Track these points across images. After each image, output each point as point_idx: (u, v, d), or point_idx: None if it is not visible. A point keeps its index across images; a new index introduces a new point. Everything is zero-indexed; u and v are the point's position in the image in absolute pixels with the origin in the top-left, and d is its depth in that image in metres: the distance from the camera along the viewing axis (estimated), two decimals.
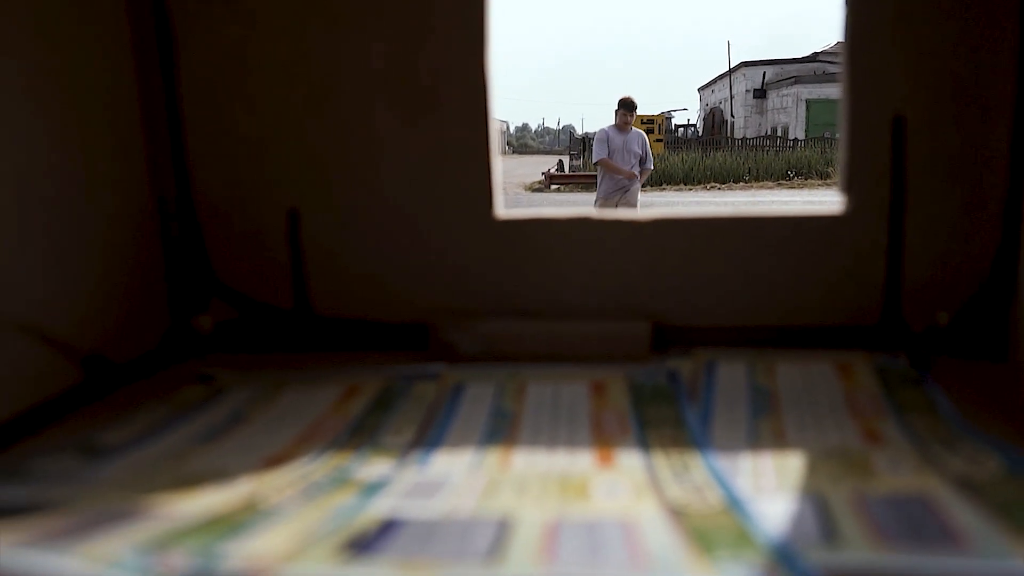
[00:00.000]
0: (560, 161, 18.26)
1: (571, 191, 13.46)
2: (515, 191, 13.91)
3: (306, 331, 0.82)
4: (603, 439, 0.57)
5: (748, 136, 21.88)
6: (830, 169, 14.35)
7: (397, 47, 0.76)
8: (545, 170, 16.18)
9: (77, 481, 0.52)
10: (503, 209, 0.79)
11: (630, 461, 0.53)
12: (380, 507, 0.46)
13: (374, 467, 0.53)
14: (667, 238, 0.77)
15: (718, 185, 14.27)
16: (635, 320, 0.77)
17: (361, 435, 0.59)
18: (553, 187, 14.30)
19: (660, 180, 13.65)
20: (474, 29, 0.75)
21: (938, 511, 0.43)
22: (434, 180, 0.78)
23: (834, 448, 0.54)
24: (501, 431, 0.59)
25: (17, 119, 0.63)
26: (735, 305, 0.77)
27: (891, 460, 0.51)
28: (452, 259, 0.79)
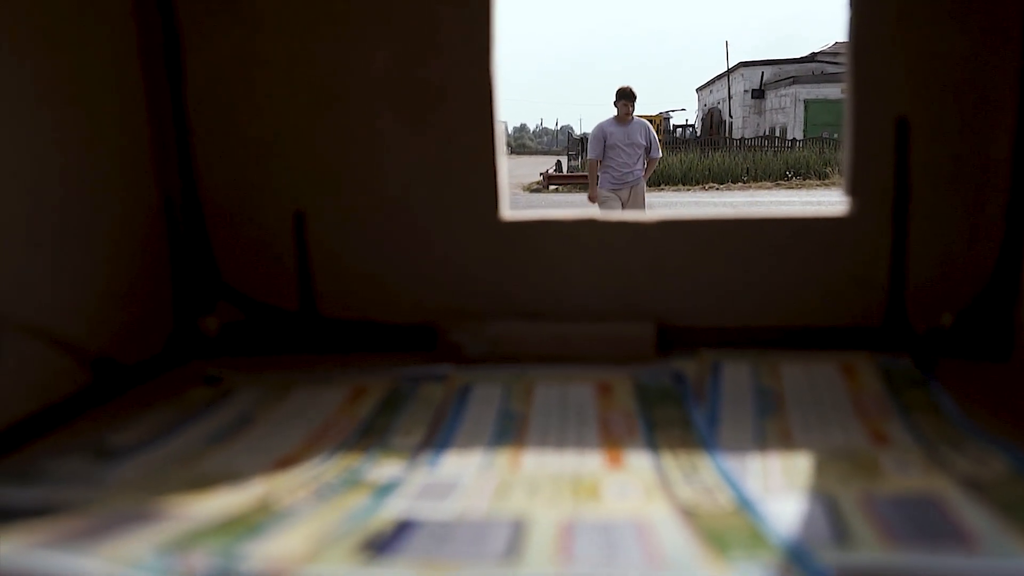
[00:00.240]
0: (558, 161, 18.28)
1: (569, 191, 13.47)
2: (513, 191, 13.91)
3: (312, 333, 0.82)
4: (611, 440, 0.57)
5: (746, 136, 21.90)
6: (828, 169, 14.36)
7: (403, 51, 0.77)
8: (543, 170, 16.18)
9: (90, 482, 0.52)
10: (509, 210, 0.79)
11: (639, 462, 0.53)
12: (394, 508, 0.46)
13: (385, 468, 0.53)
14: (671, 240, 0.77)
15: (716, 185, 14.29)
16: (640, 321, 0.77)
17: (370, 436, 0.60)
18: (551, 187, 14.31)
19: (658, 180, 13.65)
20: (480, 31, 0.75)
21: (947, 511, 0.44)
22: (440, 182, 0.78)
23: (841, 449, 0.55)
24: (510, 432, 0.60)
25: (26, 123, 0.64)
26: (739, 306, 0.77)
27: (898, 461, 0.52)
28: (458, 261, 0.80)
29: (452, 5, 0.75)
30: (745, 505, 0.45)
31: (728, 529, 0.42)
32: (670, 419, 0.61)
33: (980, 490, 0.46)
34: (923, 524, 0.42)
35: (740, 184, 14.35)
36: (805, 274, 0.76)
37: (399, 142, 0.78)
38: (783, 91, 24.72)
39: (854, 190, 0.74)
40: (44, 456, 0.57)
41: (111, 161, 0.74)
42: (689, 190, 13.91)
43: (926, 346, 0.74)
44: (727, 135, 23.40)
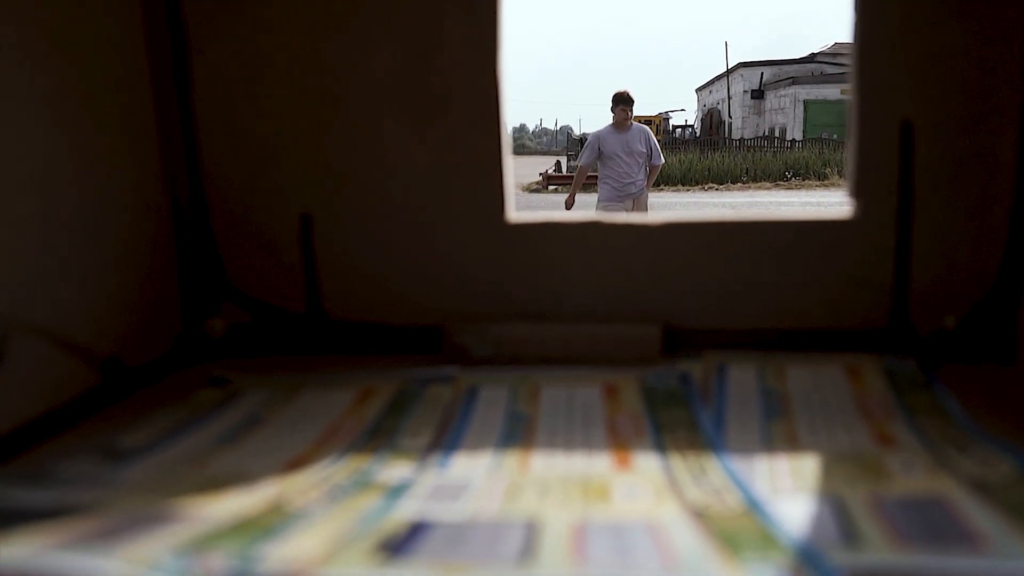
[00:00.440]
0: (557, 162, 18.29)
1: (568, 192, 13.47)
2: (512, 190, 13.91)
3: (318, 334, 0.83)
4: (619, 442, 0.58)
5: (746, 137, 21.91)
6: (827, 170, 14.38)
7: (410, 54, 0.77)
8: (543, 171, 16.20)
9: (101, 484, 0.52)
10: (514, 213, 0.79)
11: (647, 463, 0.54)
12: (406, 509, 0.47)
13: (395, 470, 0.54)
14: (676, 242, 0.78)
15: (716, 186, 14.30)
16: (645, 323, 0.78)
17: (379, 438, 0.60)
18: (551, 188, 14.33)
19: (657, 181, 13.63)
20: (486, 34, 0.75)
21: (954, 513, 0.44)
22: (446, 185, 0.79)
23: (847, 450, 0.55)
24: (517, 434, 0.60)
25: (37, 127, 0.64)
26: (744, 308, 0.78)
27: (904, 462, 0.52)
28: (464, 263, 0.80)
29: (458, 8, 0.76)
30: (754, 506, 0.45)
31: (739, 530, 0.42)
32: (677, 421, 0.61)
33: (986, 492, 0.46)
34: (931, 525, 0.43)
35: (739, 185, 14.36)
36: (809, 276, 0.76)
37: (405, 145, 0.79)
38: (782, 91, 24.73)
39: (858, 192, 0.74)
40: (53, 457, 0.57)
41: (119, 164, 0.74)
42: (688, 190, 13.93)
43: (930, 348, 0.74)
44: (726, 135, 23.41)
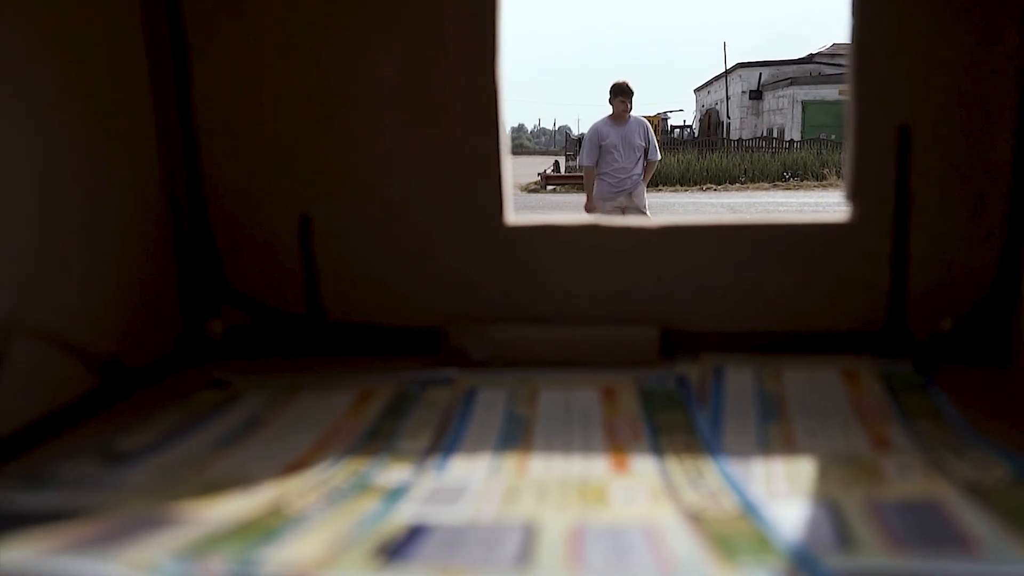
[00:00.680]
0: (556, 162, 18.29)
1: (567, 192, 13.48)
2: (511, 192, 13.91)
3: (318, 336, 0.83)
4: (617, 444, 0.58)
5: (744, 137, 21.92)
6: (825, 170, 14.39)
7: (410, 56, 0.77)
8: (541, 171, 16.20)
9: (101, 486, 0.52)
10: (513, 215, 0.80)
11: (645, 467, 0.54)
12: (405, 513, 0.47)
13: (393, 473, 0.54)
14: (675, 245, 0.78)
15: (714, 186, 14.31)
16: (643, 325, 0.78)
17: (378, 440, 0.60)
18: (549, 188, 14.33)
19: (656, 181, 13.67)
20: (486, 37, 0.76)
21: (949, 516, 0.44)
22: (445, 187, 0.79)
23: (843, 453, 0.55)
24: (516, 436, 0.60)
25: (37, 128, 0.64)
26: (742, 311, 0.78)
27: (900, 466, 0.53)
28: (463, 265, 0.80)
29: (459, 11, 0.76)
30: (750, 510, 0.46)
31: (735, 534, 0.43)
32: (674, 423, 0.61)
33: (981, 495, 0.47)
34: (926, 529, 0.43)
35: (738, 185, 14.37)
36: (807, 279, 0.76)
37: (405, 146, 0.79)
38: (781, 92, 24.75)
39: (856, 196, 0.74)
40: (53, 460, 0.57)
41: (119, 166, 0.74)
42: (687, 191, 13.93)
43: (927, 351, 0.74)
44: (725, 136, 23.41)
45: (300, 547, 0.42)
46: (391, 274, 0.81)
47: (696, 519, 0.45)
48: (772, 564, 0.39)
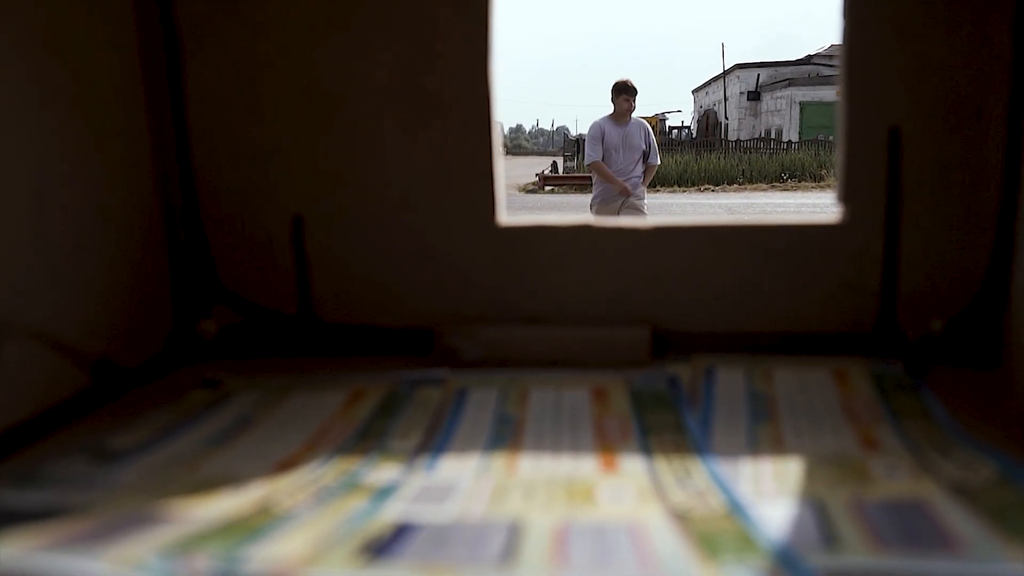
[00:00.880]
0: (554, 162, 18.31)
1: (565, 192, 13.49)
2: (509, 192, 13.93)
3: (310, 336, 0.83)
4: (606, 444, 0.58)
5: (742, 138, 21.94)
6: (823, 171, 14.41)
7: (403, 57, 0.77)
8: (539, 171, 16.21)
9: (92, 485, 0.53)
10: (505, 216, 0.80)
11: (633, 466, 0.54)
12: (392, 511, 0.47)
13: (383, 472, 0.54)
14: (667, 245, 0.78)
15: (712, 187, 14.32)
16: (635, 326, 0.78)
17: (368, 440, 0.61)
18: (547, 188, 14.34)
19: (653, 182, 13.65)
20: (479, 39, 0.76)
21: (934, 516, 0.45)
22: (438, 188, 0.79)
23: (832, 454, 0.56)
24: (505, 436, 0.61)
25: (28, 127, 0.64)
26: (734, 311, 0.78)
27: (888, 466, 0.53)
28: (455, 265, 0.80)
29: (452, 13, 0.76)
30: (736, 509, 0.46)
31: (719, 533, 0.43)
32: (664, 423, 0.62)
33: (968, 496, 0.47)
34: (910, 529, 0.43)
35: (735, 186, 14.39)
36: (798, 280, 0.76)
37: (398, 148, 0.79)
38: (779, 93, 24.77)
39: (847, 197, 0.75)
40: (44, 459, 0.57)
41: (111, 165, 0.75)
42: (684, 191, 13.94)
43: (917, 352, 0.75)
44: (723, 137, 23.42)
45: (285, 545, 0.42)
46: (383, 274, 0.81)
47: (682, 518, 0.45)
48: (754, 563, 0.39)
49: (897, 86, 0.72)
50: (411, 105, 0.78)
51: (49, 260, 0.66)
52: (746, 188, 14.16)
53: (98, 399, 0.71)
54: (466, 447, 0.59)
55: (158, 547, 0.41)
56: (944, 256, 0.74)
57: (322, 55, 0.78)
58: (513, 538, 0.43)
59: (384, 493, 0.50)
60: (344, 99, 0.79)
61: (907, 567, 0.39)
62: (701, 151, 18.27)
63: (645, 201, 4.16)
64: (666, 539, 0.43)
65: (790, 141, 19.56)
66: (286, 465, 0.56)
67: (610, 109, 4.12)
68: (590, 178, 4.52)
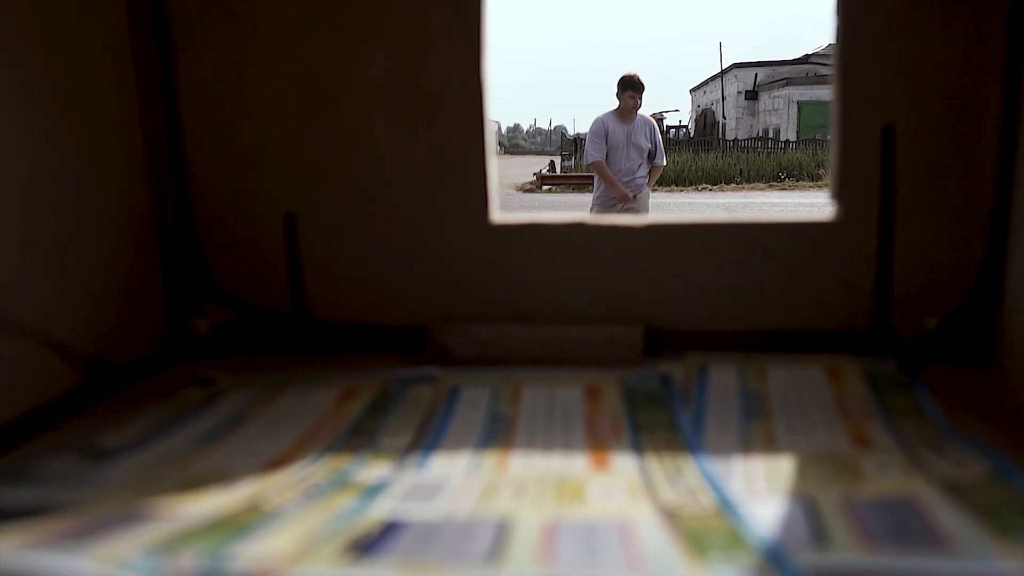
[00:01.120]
0: (552, 162, 18.30)
1: (563, 192, 13.49)
2: (506, 192, 13.93)
3: (303, 334, 0.83)
4: (598, 442, 0.58)
5: (739, 137, 21.93)
6: (821, 171, 14.41)
7: (396, 55, 0.77)
8: (537, 170, 16.21)
9: (82, 483, 0.52)
10: (499, 214, 0.80)
11: (624, 464, 0.54)
12: (381, 509, 0.47)
13: (373, 469, 0.54)
14: (661, 244, 0.78)
15: (709, 186, 14.32)
16: (628, 324, 0.78)
17: (359, 437, 0.60)
18: (545, 188, 14.33)
19: None
20: (471, 37, 0.76)
21: (925, 514, 0.45)
22: (431, 186, 0.79)
23: (824, 451, 0.55)
24: (497, 434, 0.60)
25: (20, 125, 0.64)
26: (727, 310, 0.78)
27: (879, 463, 0.53)
28: (448, 264, 0.80)
29: (444, 10, 0.76)
30: (726, 507, 0.46)
31: (708, 530, 0.43)
32: (656, 421, 0.62)
33: (958, 493, 0.47)
34: (900, 526, 0.43)
35: (733, 185, 14.38)
36: (792, 278, 0.76)
37: (390, 146, 0.79)
38: (776, 92, 24.77)
39: (841, 195, 0.74)
40: (35, 457, 0.57)
41: (104, 163, 0.74)
42: (682, 191, 13.94)
43: (911, 350, 0.75)
44: (720, 136, 23.42)
45: (272, 542, 0.42)
46: (376, 272, 0.81)
47: (672, 516, 0.45)
48: (742, 561, 0.39)
49: (891, 83, 0.72)
50: (404, 103, 0.78)
51: (41, 258, 0.66)
52: (744, 187, 14.16)
53: (90, 397, 0.70)
54: (457, 445, 0.59)
55: (144, 545, 0.41)
56: (938, 254, 0.74)
57: (315, 53, 0.78)
58: (501, 535, 0.43)
59: (373, 491, 0.50)
60: (337, 97, 0.79)
61: (897, 565, 0.39)
62: (699, 150, 18.27)
63: (650, 202, 3.91)
64: (654, 537, 0.42)
65: (788, 140, 19.56)
66: (277, 463, 0.56)
67: (613, 105, 3.81)
68: (589, 177, 4.21)
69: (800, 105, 23.49)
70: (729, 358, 0.73)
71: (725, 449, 0.57)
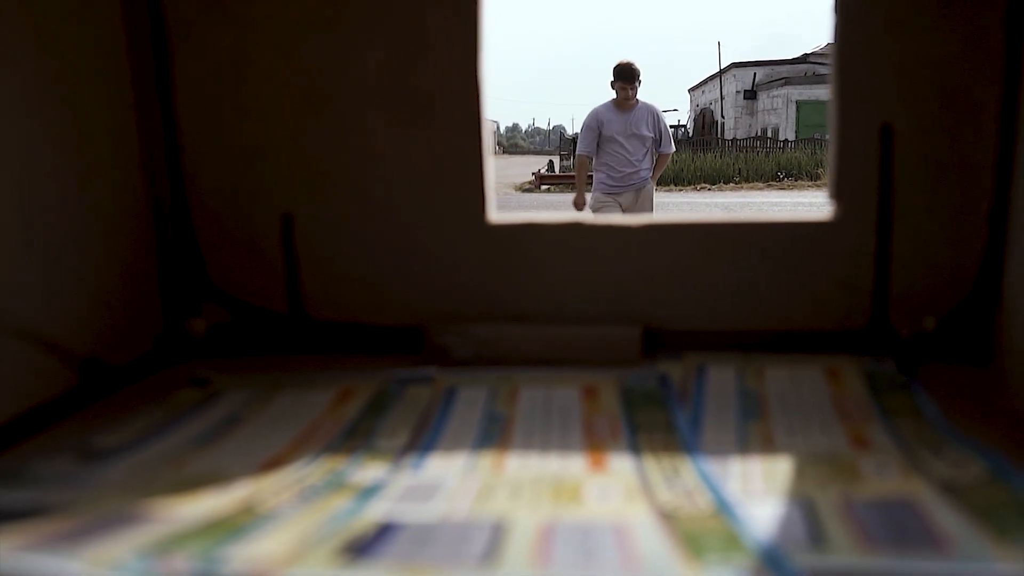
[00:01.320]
0: (550, 161, 18.31)
1: (561, 191, 13.48)
2: (505, 191, 13.93)
3: (300, 334, 0.83)
4: (595, 443, 0.58)
5: (738, 137, 21.95)
6: (820, 170, 14.41)
7: (392, 54, 0.77)
8: (535, 170, 16.21)
9: (76, 484, 0.52)
10: (496, 214, 0.79)
11: (621, 465, 0.54)
12: (376, 511, 0.47)
13: (369, 471, 0.54)
14: (658, 243, 0.78)
15: (708, 186, 14.32)
16: (626, 324, 0.78)
17: (356, 438, 0.60)
18: (543, 187, 14.34)
19: None
20: (469, 37, 0.76)
21: (923, 515, 0.44)
22: (428, 185, 0.79)
23: (822, 452, 0.55)
24: (494, 435, 0.60)
25: (16, 125, 0.64)
26: (725, 309, 0.78)
27: (878, 464, 0.52)
28: (445, 263, 0.80)
29: (441, 10, 0.76)
30: (723, 508, 0.46)
31: (705, 532, 0.43)
32: (654, 422, 0.61)
33: (957, 494, 0.47)
34: (898, 527, 0.43)
35: (732, 185, 14.39)
36: (790, 277, 0.76)
37: (387, 145, 0.79)
38: (775, 92, 24.77)
39: (839, 194, 0.74)
40: (30, 458, 0.57)
41: (100, 163, 0.74)
42: (681, 190, 13.94)
43: (909, 350, 0.74)
44: (719, 136, 23.43)
45: (266, 544, 0.42)
46: (373, 272, 0.81)
47: (668, 517, 0.45)
48: (739, 563, 0.39)
49: (889, 82, 0.72)
50: (401, 102, 0.78)
51: (37, 259, 0.66)
52: (742, 187, 14.17)
53: (86, 397, 0.70)
54: (454, 446, 0.58)
55: (137, 547, 0.41)
56: (936, 253, 0.73)
57: (311, 53, 0.78)
58: (496, 537, 0.43)
59: (369, 492, 0.50)
60: (334, 97, 0.78)
61: (895, 566, 0.39)
62: (697, 150, 18.27)
63: (655, 200, 3.75)
64: (651, 538, 0.42)
65: (786, 140, 19.57)
66: (273, 464, 0.55)
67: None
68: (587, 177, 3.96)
69: (799, 105, 23.50)
70: (727, 358, 0.73)
71: (723, 450, 0.56)
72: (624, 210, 3.56)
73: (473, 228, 0.79)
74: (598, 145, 3.61)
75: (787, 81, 24.16)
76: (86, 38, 0.73)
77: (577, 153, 3.71)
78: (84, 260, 0.71)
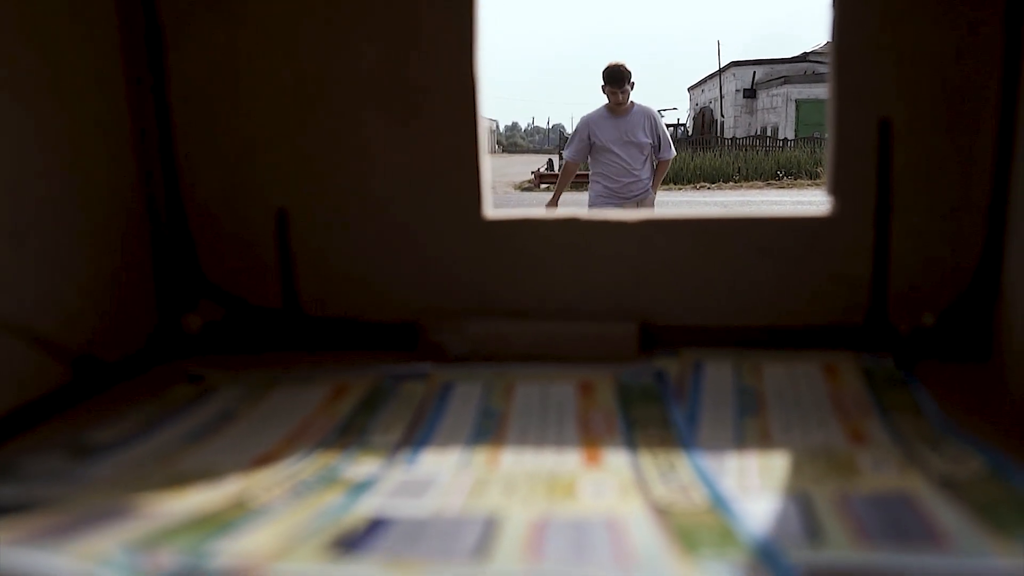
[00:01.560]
0: (549, 160, 18.31)
1: None
2: (504, 190, 13.93)
3: (295, 331, 0.82)
4: (591, 439, 0.58)
5: (738, 136, 21.94)
6: (819, 169, 14.40)
7: (388, 50, 0.76)
8: (534, 169, 16.21)
9: (67, 480, 0.52)
10: (492, 210, 0.79)
11: (617, 460, 0.53)
12: (368, 506, 0.46)
13: (362, 466, 0.54)
14: (655, 239, 0.77)
15: (708, 185, 14.32)
16: (623, 320, 0.77)
17: (349, 434, 0.60)
18: (543, 186, 14.34)
19: None
20: (463, 33, 0.75)
21: (920, 510, 0.44)
22: (423, 181, 0.78)
23: (819, 448, 0.55)
24: (489, 430, 0.60)
25: (8, 121, 0.63)
26: (722, 305, 0.77)
27: (875, 460, 0.52)
28: (441, 259, 0.79)
29: (436, 4, 0.75)
30: (719, 504, 0.45)
31: (700, 527, 0.42)
32: (650, 418, 0.61)
33: (955, 489, 0.46)
34: (896, 523, 0.42)
35: (731, 184, 14.38)
36: (788, 273, 0.76)
37: (383, 141, 0.78)
38: (775, 91, 24.77)
39: (837, 190, 0.74)
40: (23, 453, 0.57)
41: (94, 158, 0.74)
42: (680, 189, 13.93)
43: (908, 346, 0.74)
44: (719, 134, 23.43)
45: (254, 539, 0.41)
46: (368, 268, 0.80)
47: (663, 513, 0.44)
48: (733, 558, 0.39)
49: (888, 77, 0.71)
50: (395, 98, 0.77)
51: (28, 255, 0.65)
52: (742, 186, 14.17)
53: (79, 394, 0.70)
54: (448, 441, 0.58)
55: (124, 541, 0.40)
56: (935, 249, 0.73)
57: (305, 47, 0.77)
58: (488, 532, 0.42)
59: (361, 487, 0.49)
60: (328, 92, 0.78)
61: (893, 562, 0.38)
62: (697, 149, 18.27)
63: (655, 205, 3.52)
64: (644, 533, 0.42)
65: (786, 139, 19.57)
66: (264, 460, 0.55)
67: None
68: (586, 176, 3.72)
69: (798, 103, 23.50)
70: (724, 354, 0.73)
71: (719, 445, 0.56)
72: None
73: (469, 224, 0.78)
74: (593, 155, 3.38)
75: (786, 80, 24.16)
76: (79, 34, 0.72)
77: (565, 162, 3.51)
78: (78, 256, 0.71)
